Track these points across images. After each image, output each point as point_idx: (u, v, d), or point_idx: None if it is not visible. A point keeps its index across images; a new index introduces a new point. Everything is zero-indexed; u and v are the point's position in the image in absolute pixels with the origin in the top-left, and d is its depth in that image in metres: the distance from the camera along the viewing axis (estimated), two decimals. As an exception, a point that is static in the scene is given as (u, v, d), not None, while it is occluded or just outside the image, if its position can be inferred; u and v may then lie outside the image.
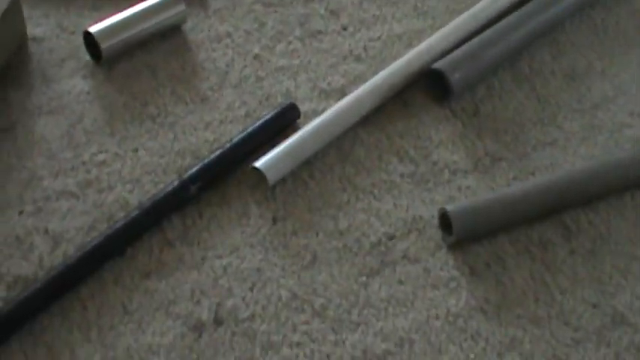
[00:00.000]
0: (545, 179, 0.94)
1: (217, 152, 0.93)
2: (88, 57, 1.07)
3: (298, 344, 0.82)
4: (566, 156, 1.00)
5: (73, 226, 0.89)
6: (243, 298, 0.84)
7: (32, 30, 1.10)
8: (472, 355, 0.83)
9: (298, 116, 0.99)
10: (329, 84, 1.05)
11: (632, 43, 1.15)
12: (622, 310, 0.87)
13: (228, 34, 1.10)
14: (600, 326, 0.86)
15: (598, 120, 1.05)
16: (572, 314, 0.87)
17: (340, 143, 0.98)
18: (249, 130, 0.96)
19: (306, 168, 0.95)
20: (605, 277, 0.90)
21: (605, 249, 0.92)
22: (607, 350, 0.84)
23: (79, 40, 1.08)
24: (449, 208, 0.89)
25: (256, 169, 0.91)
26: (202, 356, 0.80)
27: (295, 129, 0.97)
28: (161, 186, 0.92)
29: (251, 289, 0.85)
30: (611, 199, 0.96)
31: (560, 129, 1.03)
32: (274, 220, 0.91)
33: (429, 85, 1.04)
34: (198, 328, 0.82)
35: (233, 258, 0.87)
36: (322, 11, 1.15)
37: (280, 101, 1.02)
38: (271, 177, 0.91)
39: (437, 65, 1.03)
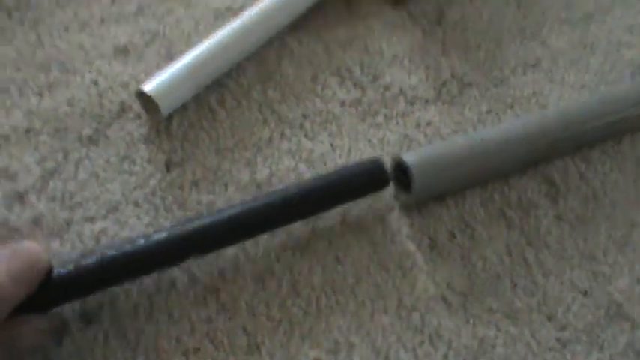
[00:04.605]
0: (527, 118, 0.72)
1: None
2: None
3: (196, 351, 0.59)
4: (553, 83, 0.78)
5: None
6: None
7: None
8: (430, 365, 0.62)
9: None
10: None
11: None
12: (619, 298, 0.67)
13: None
14: (592, 322, 0.66)
15: (591, 35, 0.82)
16: (557, 305, 0.66)
17: (262, 57, 0.73)
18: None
19: (215, 91, 0.70)
20: (599, 253, 0.69)
21: (599, 214, 0.71)
22: (600, 355, 0.65)
23: None
24: (406, 156, 0.66)
25: (144, 93, 0.66)
26: (60, 370, 0.57)
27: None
28: (14, 117, 0.66)
29: (132, 271, 0.61)
30: (608, 145, 0.75)
31: (544, 46, 0.80)
32: (168, 167, 0.66)
33: (383, -21, 0.79)
34: (59, 330, 0.58)
35: (110, 222, 0.63)
36: None
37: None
38: (165, 105, 0.66)
39: (394, -46, 0.77)
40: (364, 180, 0.64)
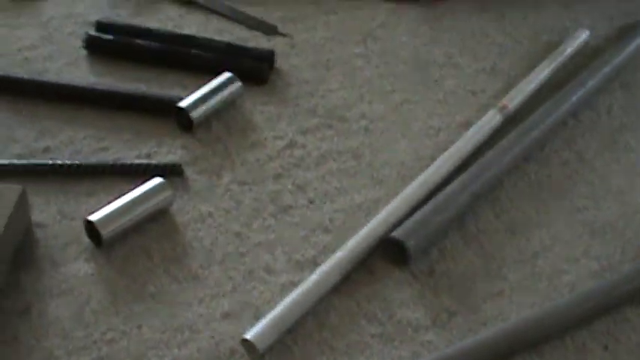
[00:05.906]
0: (495, 331, 1.10)
1: None
2: (88, 240, 1.21)
3: None
4: (512, 305, 1.16)
5: (90, 405, 1.03)
6: None
7: (36, 216, 1.26)
8: None
9: None
10: (302, 255, 1.20)
11: (563, 193, 1.33)
12: None
13: (210, 214, 1.26)
14: None
15: (538, 268, 1.21)
16: None
17: (317, 311, 1.13)
18: None
19: (290, 336, 1.10)
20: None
21: (550, 388, 1.07)
22: None
23: (79, 224, 1.23)
24: (414, 364, 1.04)
25: (248, 341, 1.06)
26: None
27: None
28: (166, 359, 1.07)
29: None
30: (555, 342, 1.11)
31: (505, 280, 1.19)
32: (266, 383, 1.05)
33: (389, 251, 1.20)
34: None
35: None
36: (290, 186, 1.32)
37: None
38: (261, 346, 1.06)
39: (394, 234, 1.19)
40: None
